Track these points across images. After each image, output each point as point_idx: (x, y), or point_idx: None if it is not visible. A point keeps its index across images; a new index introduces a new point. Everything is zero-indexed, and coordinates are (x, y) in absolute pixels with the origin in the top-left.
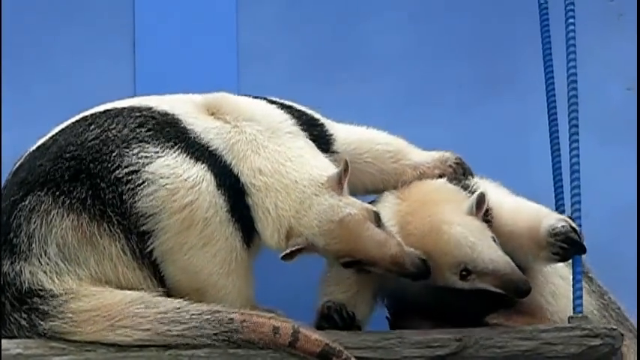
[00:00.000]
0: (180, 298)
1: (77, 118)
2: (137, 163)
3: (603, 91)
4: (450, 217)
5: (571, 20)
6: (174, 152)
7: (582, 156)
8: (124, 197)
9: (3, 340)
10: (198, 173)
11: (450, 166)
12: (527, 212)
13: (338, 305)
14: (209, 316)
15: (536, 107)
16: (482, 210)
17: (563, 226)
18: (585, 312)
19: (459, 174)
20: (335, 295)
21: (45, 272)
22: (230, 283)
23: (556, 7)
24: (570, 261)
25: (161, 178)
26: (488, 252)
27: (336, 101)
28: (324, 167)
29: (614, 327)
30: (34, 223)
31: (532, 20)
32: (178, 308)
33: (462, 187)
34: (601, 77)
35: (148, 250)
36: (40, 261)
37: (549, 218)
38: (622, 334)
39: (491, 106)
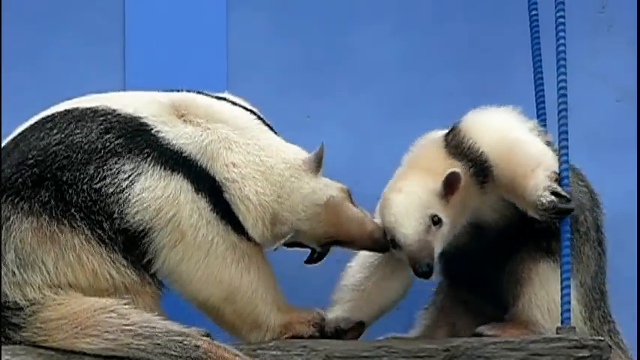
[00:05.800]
0: (215, 318)
1: (37, 118)
2: (118, 184)
3: (593, 102)
4: (399, 186)
5: (561, 29)
6: (150, 167)
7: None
8: (105, 207)
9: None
10: (175, 186)
11: None
12: (517, 162)
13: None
14: (176, 337)
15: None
16: (454, 191)
17: (550, 202)
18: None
19: None
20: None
21: (5, 283)
22: (255, 277)
23: (546, 18)
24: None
25: (144, 202)
26: (403, 227)
27: (324, 111)
28: (296, 151)
29: (602, 338)
30: None
31: (522, 30)
32: (146, 322)
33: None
34: (591, 88)
35: (151, 271)
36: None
37: (535, 187)
38: (610, 346)
39: None
